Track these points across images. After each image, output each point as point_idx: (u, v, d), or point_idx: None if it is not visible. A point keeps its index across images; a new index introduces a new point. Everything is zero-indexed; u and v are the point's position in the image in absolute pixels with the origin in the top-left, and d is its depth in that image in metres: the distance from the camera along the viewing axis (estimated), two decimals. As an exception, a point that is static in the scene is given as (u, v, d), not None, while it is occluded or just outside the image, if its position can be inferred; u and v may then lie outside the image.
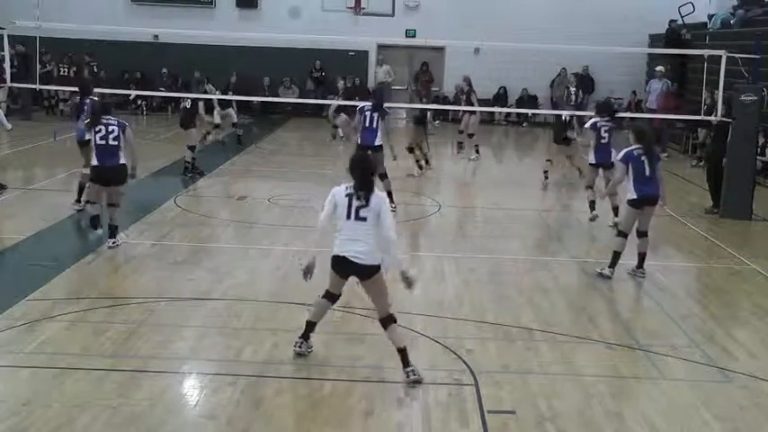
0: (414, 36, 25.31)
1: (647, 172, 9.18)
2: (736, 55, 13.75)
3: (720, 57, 13.62)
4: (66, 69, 23.32)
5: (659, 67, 20.57)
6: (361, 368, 6.57)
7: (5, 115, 14.24)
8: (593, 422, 5.82)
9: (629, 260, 9.53)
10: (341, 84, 21.56)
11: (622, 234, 9.39)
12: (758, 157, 14.12)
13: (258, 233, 11.13)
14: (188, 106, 15.30)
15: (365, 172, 6.38)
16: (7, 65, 16.46)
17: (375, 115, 11.96)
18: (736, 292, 9.38)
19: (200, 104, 16.26)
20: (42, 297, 7.93)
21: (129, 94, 21.25)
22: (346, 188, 6.38)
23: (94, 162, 9.81)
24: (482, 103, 20.25)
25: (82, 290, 8.29)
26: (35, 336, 6.97)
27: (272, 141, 20.79)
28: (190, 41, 23.51)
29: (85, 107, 11.20)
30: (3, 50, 15.74)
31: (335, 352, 6.90)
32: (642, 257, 9.42)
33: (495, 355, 6.95)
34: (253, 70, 24.45)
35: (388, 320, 6.39)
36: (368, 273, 6.35)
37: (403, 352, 6.33)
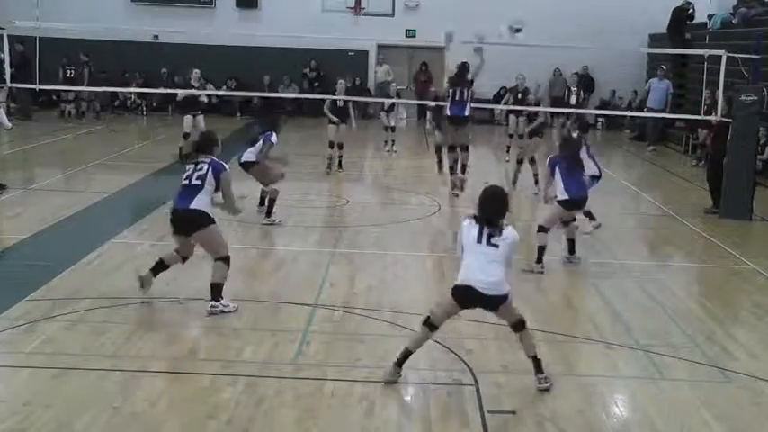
0: (414, 36, 25.31)
1: (574, 176, 9.61)
2: (737, 55, 13.74)
3: (720, 57, 13.61)
4: (71, 71, 23.30)
5: (663, 66, 20.51)
6: (361, 368, 6.57)
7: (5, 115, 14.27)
8: (593, 422, 5.82)
9: (628, 260, 9.56)
10: (340, 84, 20.03)
11: (543, 229, 9.66)
12: (758, 157, 14.10)
13: (258, 233, 11.12)
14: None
15: (495, 209, 6.17)
16: (7, 65, 16.45)
17: (465, 90, 13.48)
18: (736, 292, 9.38)
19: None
20: (42, 297, 7.93)
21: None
22: (474, 217, 6.19)
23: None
24: (480, 102, 20.14)
25: (82, 290, 8.27)
26: (35, 336, 6.97)
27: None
28: (190, 41, 23.52)
29: (263, 139, 11.92)
30: (3, 50, 15.73)
31: (335, 352, 6.89)
32: (572, 244, 9.88)
33: (495, 355, 6.94)
34: (253, 70, 24.42)
35: (518, 326, 6.25)
36: (495, 304, 6.15)
37: (535, 359, 6.25)
